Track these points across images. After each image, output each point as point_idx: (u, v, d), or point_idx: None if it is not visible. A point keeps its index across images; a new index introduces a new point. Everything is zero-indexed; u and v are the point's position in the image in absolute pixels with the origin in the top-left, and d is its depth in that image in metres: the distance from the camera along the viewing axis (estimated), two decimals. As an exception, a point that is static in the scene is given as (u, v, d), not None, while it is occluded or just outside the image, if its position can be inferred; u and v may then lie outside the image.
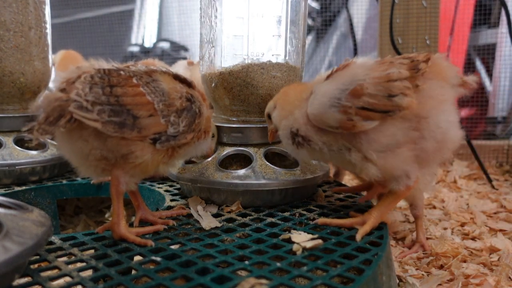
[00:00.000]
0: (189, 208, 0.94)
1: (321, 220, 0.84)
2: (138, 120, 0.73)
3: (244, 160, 1.05)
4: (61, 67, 1.86)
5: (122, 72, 0.76)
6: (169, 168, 0.86)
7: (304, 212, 0.93)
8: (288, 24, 1.04)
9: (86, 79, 0.72)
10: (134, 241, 0.76)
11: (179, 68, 1.60)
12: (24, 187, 1.17)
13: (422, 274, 0.98)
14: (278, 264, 0.66)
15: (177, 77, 0.83)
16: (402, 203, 1.41)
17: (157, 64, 1.53)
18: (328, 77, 0.83)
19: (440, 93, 0.80)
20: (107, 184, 1.24)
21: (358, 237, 0.78)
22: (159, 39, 4.13)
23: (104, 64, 0.79)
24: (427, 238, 1.21)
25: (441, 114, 0.79)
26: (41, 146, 1.31)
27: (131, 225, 0.85)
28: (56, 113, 0.69)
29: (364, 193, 1.08)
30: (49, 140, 1.32)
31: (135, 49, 3.92)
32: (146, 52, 3.81)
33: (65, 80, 0.75)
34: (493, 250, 1.11)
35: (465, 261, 1.05)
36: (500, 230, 1.25)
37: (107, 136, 0.72)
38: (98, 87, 0.71)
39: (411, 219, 1.36)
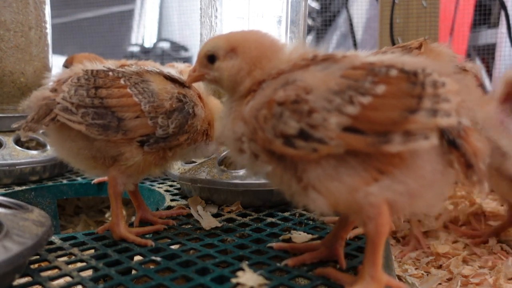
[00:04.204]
0: (189, 208, 0.94)
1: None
2: (123, 122, 0.72)
3: (244, 160, 1.05)
4: None
5: (110, 73, 0.75)
6: (163, 171, 0.85)
7: (304, 212, 0.93)
8: (288, 24, 1.04)
9: (72, 81, 0.73)
10: (134, 241, 0.76)
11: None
12: (24, 187, 1.17)
13: (422, 274, 0.98)
14: (278, 264, 0.66)
15: (170, 77, 0.81)
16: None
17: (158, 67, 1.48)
18: None
19: None
20: (107, 184, 1.24)
21: None
22: (159, 39, 4.13)
23: (97, 65, 0.78)
24: (427, 236, 1.21)
25: None
26: (41, 146, 1.31)
27: (131, 225, 0.85)
28: (42, 111, 0.71)
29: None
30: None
31: (135, 49, 3.92)
32: (146, 52, 3.81)
33: (57, 80, 0.76)
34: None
35: (464, 261, 1.05)
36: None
37: (93, 138, 0.73)
38: (83, 89, 0.72)
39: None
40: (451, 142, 0.51)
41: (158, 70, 0.81)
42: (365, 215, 0.54)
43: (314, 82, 0.53)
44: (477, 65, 0.84)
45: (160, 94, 0.76)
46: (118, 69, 0.78)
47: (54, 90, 0.74)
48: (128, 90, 0.74)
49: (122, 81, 0.74)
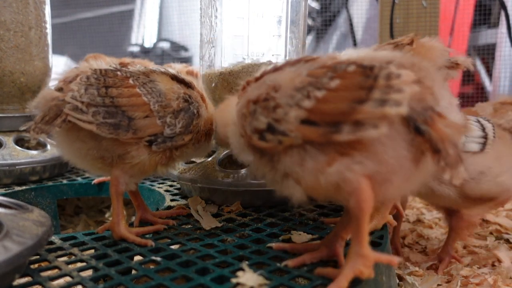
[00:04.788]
0: (189, 208, 0.94)
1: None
2: (133, 121, 0.73)
3: (244, 160, 1.05)
4: None
5: (119, 73, 0.76)
6: (168, 170, 0.85)
7: (304, 212, 0.93)
8: (288, 24, 1.04)
9: (82, 80, 0.73)
10: (134, 241, 0.76)
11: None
12: (24, 187, 1.17)
13: (422, 273, 0.98)
14: (278, 264, 0.66)
15: (175, 78, 0.82)
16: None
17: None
18: None
19: None
20: (107, 184, 1.24)
21: None
22: (159, 39, 4.14)
23: (103, 64, 0.79)
24: (427, 239, 1.21)
25: None
26: (41, 146, 1.31)
27: (131, 225, 0.85)
28: (52, 112, 0.71)
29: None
30: (49, 140, 1.32)
31: (135, 49, 3.92)
32: (146, 52, 3.82)
33: (63, 79, 0.75)
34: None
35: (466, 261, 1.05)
36: (498, 231, 1.25)
37: (102, 137, 0.73)
38: (93, 88, 0.72)
39: (411, 218, 1.36)
40: (416, 129, 0.52)
41: (163, 70, 0.82)
42: (345, 192, 0.55)
43: (283, 81, 0.58)
44: (470, 59, 0.83)
45: (167, 94, 0.77)
46: (125, 69, 0.78)
47: (60, 89, 0.74)
48: (137, 90, 0.74)
49: (131, 81, 0.75)
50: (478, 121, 0.95)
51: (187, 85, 0.83)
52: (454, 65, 0.76)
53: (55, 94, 0.73)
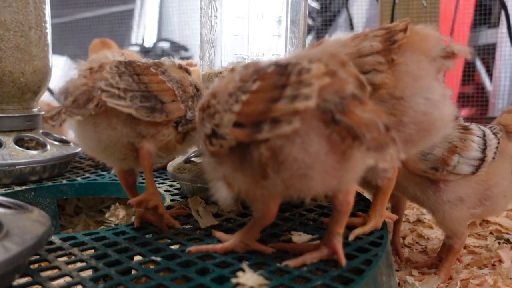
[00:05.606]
0: (189, 208, 0.94)
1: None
2: (165, 105, 0.78)
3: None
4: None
5: (140, 63, 0.81)
6: (184, 149, 0.90)
7: (304, 212, 0.93)
8: (288, 24, 1.05)
9: (112, 69, 0.76)
10: (164, 215, 0.81)
11: None
12: (24, 187, 1.17)
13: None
14: (278, 264, 0.66)
15: (181, 67, 0.89)
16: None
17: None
18: None
19: (417, 68, 0.69)
20: (107, 184, 1.24)
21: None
22: (159, 39, 4.14)
23: (116, 57, 0.85)
24: (427, 239, 1.21)
25: (419, 93, 0.69)
26: (41, 146, 1.31)
27: (131, 225, 0.85)
28: (84, 97, 0.72)
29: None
30: (49, 140, 1.32)
31: (135, 49, 3.92)
32: (146, 52, 3.82)
33: (87, 68, 0.78)
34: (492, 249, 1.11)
35: (464, 262, 1.05)
36: (498, 231, 1.25)
37: (136, 122, 0.76)
38: (126, 75, 0.76)
39: (411, 218, 1.36)
40: (333, 119, 0.54)
41: (171, 61, 0.88)
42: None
43: (220, 88, 0.63)
44: (466, 47, 0.77)
45: (183, 81, 0.84)
46: (140, 60, 0.84)
47: (85, 77, 0.76)
48: (161, 77, 0.80)
49: (152, 69, 0.80)
50: (484, 136, 0.90)
51: (189, 74, 0.89)
52: (450, 55, 0.72)
53: (84, 81, 0.75)
